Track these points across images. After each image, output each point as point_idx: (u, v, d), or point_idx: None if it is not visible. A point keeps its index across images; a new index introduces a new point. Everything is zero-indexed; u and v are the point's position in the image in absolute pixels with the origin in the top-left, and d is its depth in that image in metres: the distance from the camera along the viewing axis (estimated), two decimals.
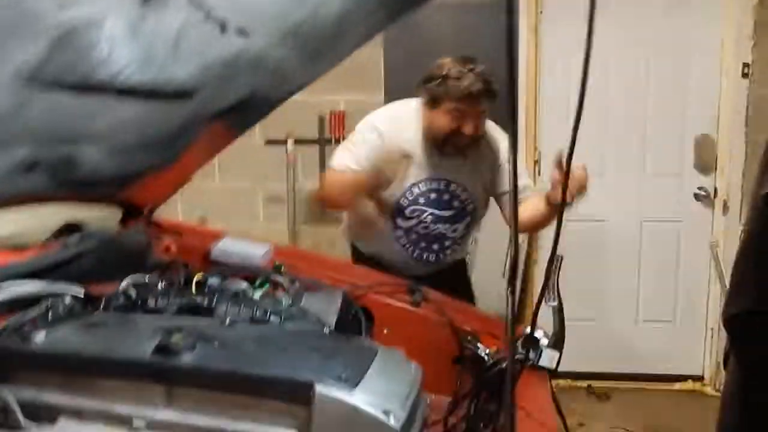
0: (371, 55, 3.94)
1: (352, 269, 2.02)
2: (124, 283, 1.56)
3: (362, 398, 1.04)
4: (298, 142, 4.09)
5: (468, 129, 2.24)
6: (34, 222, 1.45)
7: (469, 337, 1.79)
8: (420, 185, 2.39)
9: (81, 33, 0.91)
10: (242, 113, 1.72)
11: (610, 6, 3.62)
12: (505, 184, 2.41)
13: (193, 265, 1.80)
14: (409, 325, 1.84)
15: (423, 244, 2.48)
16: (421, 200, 2.40)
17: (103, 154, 1.35)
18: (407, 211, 2.42)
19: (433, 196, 2.40)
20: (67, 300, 1.40)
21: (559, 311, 1.66)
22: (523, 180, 2.50)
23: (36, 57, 0.92)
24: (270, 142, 4.11)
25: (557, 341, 1.65)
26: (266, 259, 1.85)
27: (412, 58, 3.96)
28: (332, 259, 2.04)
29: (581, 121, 0.85)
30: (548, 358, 1.61)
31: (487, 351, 1.72)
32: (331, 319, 1.51)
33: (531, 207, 2.30)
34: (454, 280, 2.62)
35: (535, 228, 2.65)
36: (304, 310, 1.46)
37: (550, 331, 1.64)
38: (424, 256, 2.51)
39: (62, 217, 1.54)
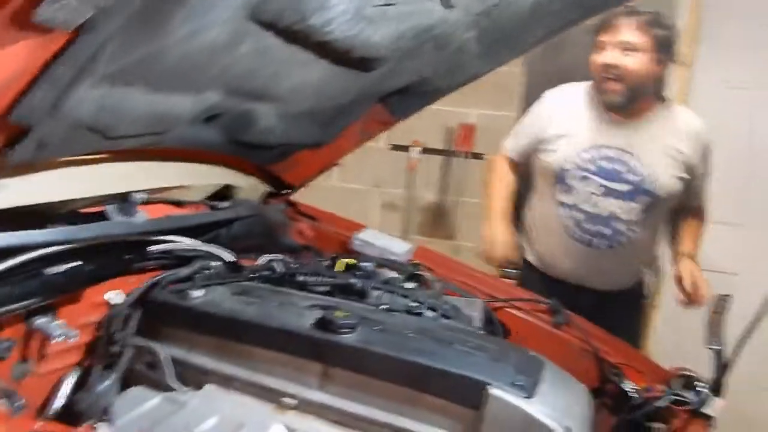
0: (512, 73, 3.82)
1: (490, 280, 1.90)
2: (262, 260, 1.52)
3: (541, 409, 0.93)
4: (423, 150, 4.01)
5: (605, 57, 2.12)
6: (193, 180, 1.43)
7: (613, 370, 1.64)
8: (590, 151, 2.11)
9: None
10: (407, 99, 1.66)
11: None
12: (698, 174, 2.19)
13: (326, 253, 1.75)
14: (546, 347, 1.68)
15: (590, 227, 2.12)
16: (592, 167, 2.10)
17: (276, 118, 1.31)
18: (573, 181, 2.12)
19: (603, 164, 2.09)
20: (216, 263, 1.37)
21: (721, 355, 1.50)
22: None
23: None
24: (395, 147, 4.06)
25: (716, 387, 1.49)
26: (408, 256, 1.77)
27: (554, 80, 3.84)
28: (470, 268, 1.93)
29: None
30: (712, 405, 1.43)
31: (634, 387, 1.56)
32: (477, 326, 1.41)
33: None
34: (622, 311, 2.25)
35: None
36: (456, 308, 1.35)
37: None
38: (593, 242, 2.14)
39: (219, 180, 1.51)
